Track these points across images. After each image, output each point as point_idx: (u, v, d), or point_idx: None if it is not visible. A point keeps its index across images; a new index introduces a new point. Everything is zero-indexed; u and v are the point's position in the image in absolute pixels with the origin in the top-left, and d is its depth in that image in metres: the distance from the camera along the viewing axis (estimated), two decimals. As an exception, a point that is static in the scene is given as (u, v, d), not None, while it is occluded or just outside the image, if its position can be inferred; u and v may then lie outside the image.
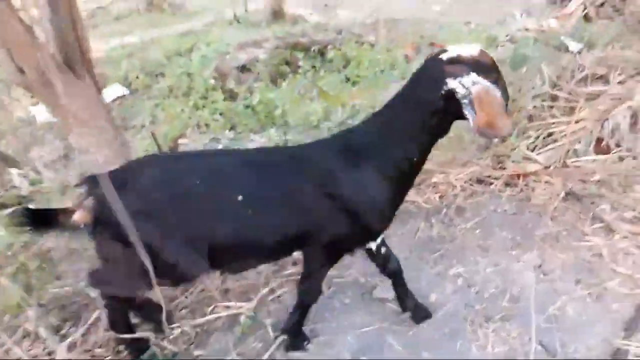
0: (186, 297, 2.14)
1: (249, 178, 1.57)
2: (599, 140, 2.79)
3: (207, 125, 4.21)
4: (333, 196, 1.57)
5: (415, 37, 5.60)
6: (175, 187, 1.52)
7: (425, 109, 1.52)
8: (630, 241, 2.29)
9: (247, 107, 4.38)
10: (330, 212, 1.58)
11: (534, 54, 3.51)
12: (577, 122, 2.83)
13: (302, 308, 1.82)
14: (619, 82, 3.04)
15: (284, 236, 1.63)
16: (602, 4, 6.38)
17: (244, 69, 5.12)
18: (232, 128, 4.18)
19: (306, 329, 1.90)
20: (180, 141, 3.98)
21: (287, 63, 5.23)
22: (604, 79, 3.25)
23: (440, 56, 1.51)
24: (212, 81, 4.77)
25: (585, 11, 6.40)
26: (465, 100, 1.44)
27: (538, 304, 1.95)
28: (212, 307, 2.04)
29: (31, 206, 1.93)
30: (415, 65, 5.00)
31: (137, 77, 5.33)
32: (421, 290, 2.05)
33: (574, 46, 5.94)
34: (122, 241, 1.47)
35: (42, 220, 1.58)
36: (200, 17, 7.78)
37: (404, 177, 1.63)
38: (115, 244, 1.50)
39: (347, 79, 4.85)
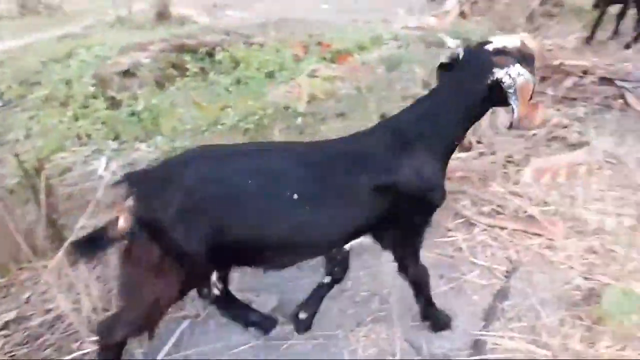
0: (52, 334, 2.01)
1: (304, 176, 1.55)
2: (462, 138, 3.02)
3: (88, 136, 3.99)
4: (393, 185, 1.60)
5: (304, 36, 5.67)
6: (226, 184, 1.48)
7: (472, 97, 1.64)
8: (488, 234, 2.48)
9: (131, 114, 4.20)
10: (393, 200, 1.62)
11: (409, 54, 3.68)
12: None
13: (421, 291, 1.88)
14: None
15: (343, 231, 1.65)
16: (475, 1, 6.88)
17: (127, 74, 4.87)
18: (116, 138, 3.99)
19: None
20: (59, 155, 3.74)
21: (174, 66, 5.06)
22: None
23: (486, 47, 1.63)
24: (93, 88, 4.51)
25: (462, 9, 6.88)
26: (511, 90, 1.55)
27: (406, 303, 2.04)
28: (78, 342, 1.93)
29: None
30: (305, 64, 5.15)
31: (9, 87, 4.90)
32: (299, 299, 2.07)
33: (451, 42, 6.36)
34: (164, 245, 1.40)
35: (94, 246, 1.48)
36: (80, 20, 7.30)
37: (450, 155, 1.76)
38: (155, 248, 1.41)
39: (238, 81, 4.80)
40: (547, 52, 4.38)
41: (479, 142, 2.98)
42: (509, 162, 2.97)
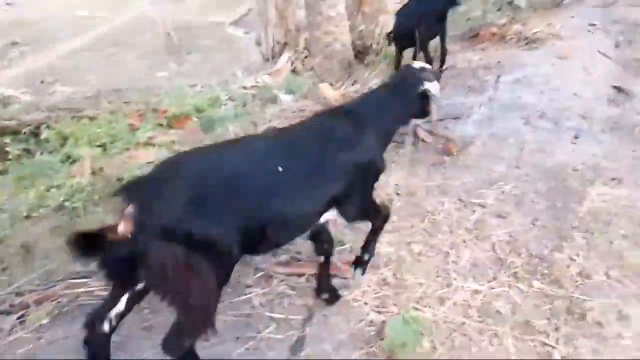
0: None
1: (288, 155, 1.85)
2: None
3: None
4: (360, 159, 2.07)
5: (140, 104, 5.65)
6: (220, 171, 1.63)
7: (407, 101, 2.30)
8: (286, 283, 2.48)
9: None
10: (356, 171, 2.03)
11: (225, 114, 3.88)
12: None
13: (376, 232, 2.36)
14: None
15: (325, 200, 1.97)
16: (306, 57, 7.49)
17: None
18: None
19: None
20: None
21: (-6, 152, 4.69)
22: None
23: (415, 67, 2.40)
24: None
25: (293, 66, 7.44)
26: (433, 98, 2.28)
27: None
28: None
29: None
30: (141, 133, 5.14)
31: None
32: None
33: (283, 97, 6.73)
34: (184, 242, 1.46)
35: (93, 243, 1.48)
36: None
37: (389, 142, 2.35)
38: (178, 249, 1.46)
39: (68, 157, 4.59)
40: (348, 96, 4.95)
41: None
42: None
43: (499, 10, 6.96)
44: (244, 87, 8.57)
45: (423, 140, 4.06)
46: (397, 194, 3.27)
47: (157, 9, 11.40)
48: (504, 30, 6.63)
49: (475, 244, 2.79)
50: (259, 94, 7.13)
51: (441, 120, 4.51)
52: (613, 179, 3.39)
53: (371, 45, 9.31)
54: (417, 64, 2.39)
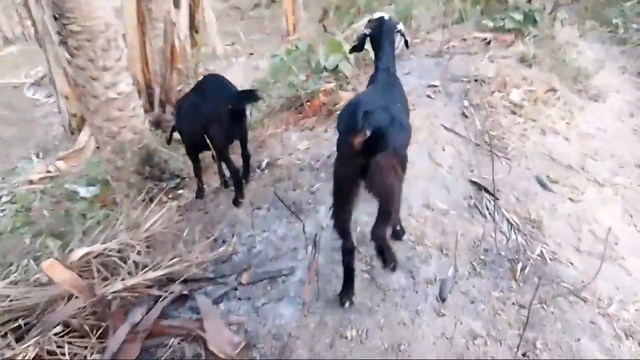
0: None
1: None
2: None
3: None
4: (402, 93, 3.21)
5: None
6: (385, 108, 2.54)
7: (393, 39, 3.14)
8: None
9: None
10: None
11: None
12: None
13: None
14: None
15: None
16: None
17: None
18: None
19: None
20: None
21: None
22: None
23: (385, 18, 3.07)
24: None
25: (97, 145, 5.52)
26: (404, 33, 3.21)
27: None
28: None
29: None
30: None
31: None
32: None
33: (86, 191, 5.13)
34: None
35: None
36: None
37: None
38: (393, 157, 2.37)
39: None
40: None
41: None
42: None
43: (325, 71, 5.60)
44: (31, 182, 6.26)
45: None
46: None
47: None
48: (333, 99, 5.27)
49: None
50: (50, 191, 5.88)
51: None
52: None
53: None
54: (386, 15, 3.11)
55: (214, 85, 3.86)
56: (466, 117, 4.81)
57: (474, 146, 4.38)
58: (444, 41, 6.64)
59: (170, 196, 4.95)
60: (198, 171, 4.22)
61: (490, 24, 7.03)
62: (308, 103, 5.43)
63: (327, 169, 4.04)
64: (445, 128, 4.55)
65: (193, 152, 4.10)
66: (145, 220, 3.72)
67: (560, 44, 6.65)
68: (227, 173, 4.26)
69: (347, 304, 2.69)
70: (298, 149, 4.60)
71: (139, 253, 3.09)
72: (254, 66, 11.61)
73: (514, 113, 4.92)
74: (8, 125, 10.76)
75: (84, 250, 3.07)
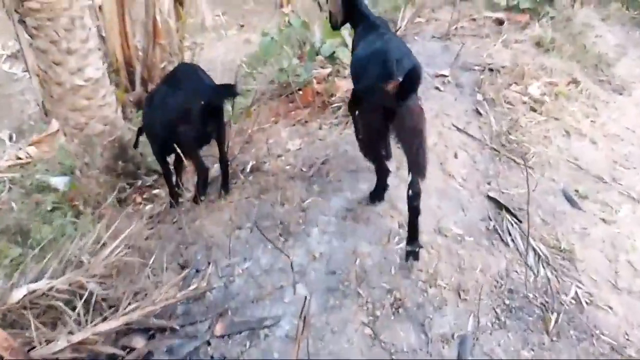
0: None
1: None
2: None
3: None
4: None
5: None
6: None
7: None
8: None
9: None
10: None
11: None
12: None
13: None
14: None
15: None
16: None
17: None
18: None
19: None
20: None
21: None
22: None
23: None
24: None
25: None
26: None
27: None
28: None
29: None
30: None
31: None
32: None
33: (55, 181, 4.64)
34: None
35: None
36: None
37: None
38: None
39: None
40: None
41: None
42: None
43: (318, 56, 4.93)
44: None
45: None
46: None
47: None
48: (328, 88, 4.63)
49: None
50: (20, 180, 5.25)
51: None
52: None
53: None
54: None
55: (186, 77, 3.26)
56: (480, 114, 4.22)
57: (490, 151, 3.81)
58: (452, 21, 5.95)
59: (145, 196, 4.37)
60: (169, 176, 3.63)
61: (503, 2, 6.35)
62: (300, 92, 4.79)
63: (321, 179, 3.46)
64: (458, 129, 3.96)
65: (162, 154, 3.50)
66: (110, 238, 3.16)
67: (579, 27, 6.00)
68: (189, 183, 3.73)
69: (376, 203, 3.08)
70: (288, 149, 4.00)
71: (90, 294, 2.51)
72: (245, 39, 10.82)
73: (533, 110, 4.34)
74: (-17, 101, 9.98)
75: (24, 291, 2.50)
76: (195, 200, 3.43)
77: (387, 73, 2.35)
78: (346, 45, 4.37)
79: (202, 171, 3.32)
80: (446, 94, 4.47)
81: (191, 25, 10.32)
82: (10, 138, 7.98)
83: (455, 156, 3.65)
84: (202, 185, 3.38)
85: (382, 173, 2.98)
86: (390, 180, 3.17)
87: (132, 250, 3.23)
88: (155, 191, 4.36)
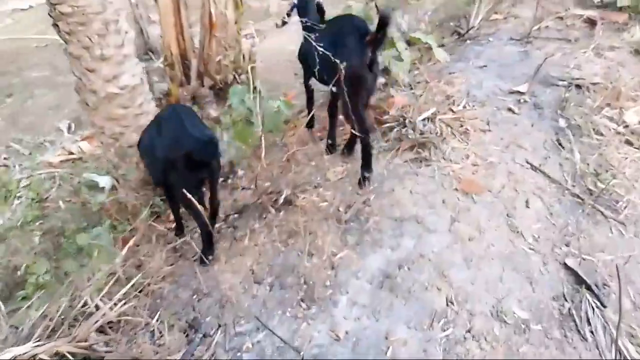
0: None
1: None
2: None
3: None
4: None
5: None
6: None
7: None
8: None
9: None
10: None
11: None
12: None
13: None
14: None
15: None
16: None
17: None
18: None
19: None
20: None
21: None
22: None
23: None
24: None
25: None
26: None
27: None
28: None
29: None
30: None
31: None
32: None
33: (105, 181, 4.25)
34: None
35: None
36: None
37: None
38: None
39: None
40: None
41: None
42: None
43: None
44: (51, 164, 5.85)
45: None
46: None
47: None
48: (381, 103, 4.07)
49: None
50: (67, 177, 5.23)
51: None
52: None
53: (240, 74, 6.66)
54: None
55: (171, 124, 2.89)
56: (561, 147, 3.49)
57: (572, 198, 3.11)
58: (534, 20, 5.12)
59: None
60: (175, 210, 3.29)
61: (597, -2, 5.41)
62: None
63: (358, 226, 2.94)
64: (532, 167, 3.27)
65: (168, 192, 3.20)
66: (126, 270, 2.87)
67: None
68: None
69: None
70: (328, 179, 3.49)
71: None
72: (311, 27, 10.26)
73: (629, 143, 3.56)
74: (48, 88, 10.13)
75: (8, 356, 2.21)
76: (202, 260, 3.00)
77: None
78: (401, 59, 3.75)
79: (200, 225, 2.95)
80: (521, 117, 3.76)
81: (255, 12, 9.91)
82: (69, 128, 8.00)
83: (527, 205, 3.00)
84: (206, 241, 2.99)
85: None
86: (439, 237, 2.60)
87: (142, 295, 2.91)
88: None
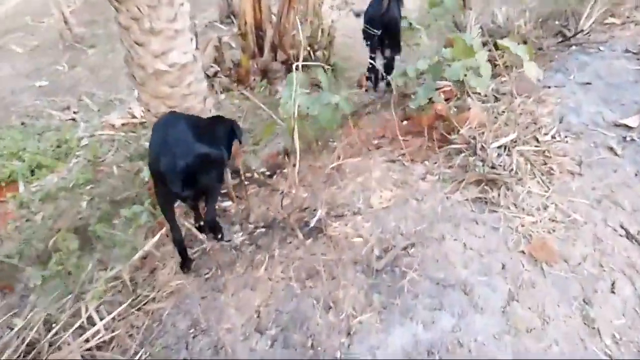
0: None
1: None
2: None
3: None
4: None
5: None
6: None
7: None
8: None
9: None
10: None
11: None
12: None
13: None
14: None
15: None
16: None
17: None
18: None
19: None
20: None
21: None
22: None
23: None
24: None
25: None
26: None
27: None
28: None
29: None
30: None
31: None
32: None
33: None
34: None
35: None
36: None
37: None
38: None
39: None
40: None
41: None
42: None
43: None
44: (113, 126, 5.79)
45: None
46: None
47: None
48: (451, 119, 3.44)
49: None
50: (127, 142, 5.25)
51: None
52: None
53: (315, 50, 6.25)
54: None
55: (168, 134, 2.60)
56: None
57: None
58: (661, 29, 4.16)
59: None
60: (178, 237, 2.90)
61: None
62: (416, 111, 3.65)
63: (391, 281, 2.43)
64: (629, 235, 2.56)
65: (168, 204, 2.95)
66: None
67: None
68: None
69: None
70: (371, 205, 2.98)
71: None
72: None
73: None
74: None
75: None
76: (183, 268, 2.91)
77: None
78: (480, 75, 3.07)
79: (173, 241, 2.85)
80: (624, 162, 2.99)
81: (345, -21, 9.23)
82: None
83: (612, 289, 2.33)
84: (181, 256, 2.86)
85: None
86: (488, 320, 2.03)
87: (141, 313, 2.62)
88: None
